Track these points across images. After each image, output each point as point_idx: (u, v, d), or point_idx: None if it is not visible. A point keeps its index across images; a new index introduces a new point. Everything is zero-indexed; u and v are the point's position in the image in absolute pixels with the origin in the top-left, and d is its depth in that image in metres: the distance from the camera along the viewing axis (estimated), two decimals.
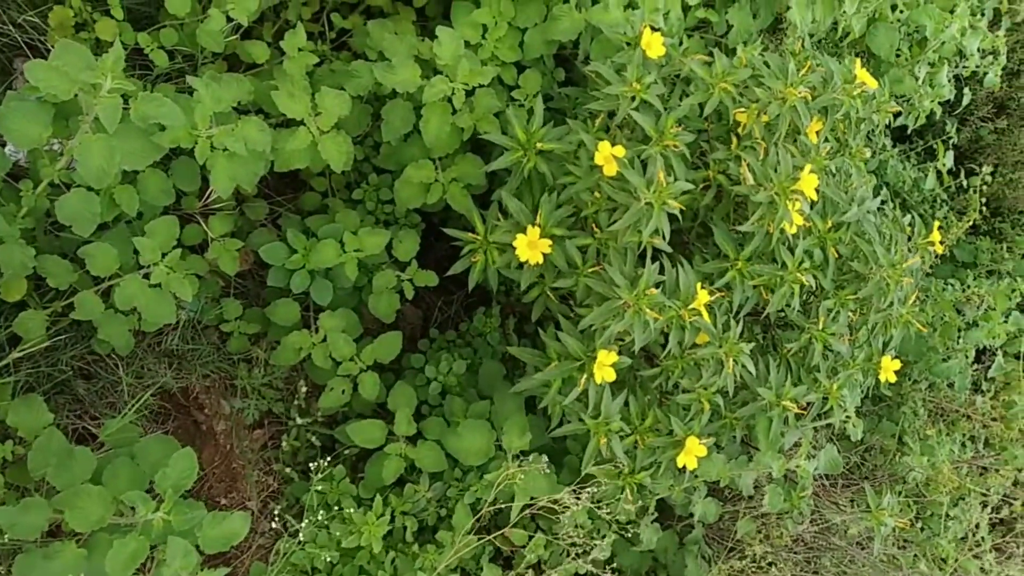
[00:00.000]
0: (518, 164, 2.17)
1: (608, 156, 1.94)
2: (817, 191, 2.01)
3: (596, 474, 2.13)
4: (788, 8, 2.72)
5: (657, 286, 2.01)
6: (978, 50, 3.12)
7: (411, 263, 2.52)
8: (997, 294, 3.42)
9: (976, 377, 3.30)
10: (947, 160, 3.20)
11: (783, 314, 2.32)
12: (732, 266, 2.16)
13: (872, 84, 2.26)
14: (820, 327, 2.30)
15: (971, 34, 3.16)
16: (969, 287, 3.25)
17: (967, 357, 3.35)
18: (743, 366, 2.11)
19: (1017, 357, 3.54)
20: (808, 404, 2.36)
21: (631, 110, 2.05)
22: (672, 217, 2.02)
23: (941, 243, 3.33)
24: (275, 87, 2.22)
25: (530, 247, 1.99)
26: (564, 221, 2.08)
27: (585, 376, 1.97)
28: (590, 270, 2.01)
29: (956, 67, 3.13)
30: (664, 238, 1.94)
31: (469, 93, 2.35)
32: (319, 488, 2.33)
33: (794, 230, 2.05)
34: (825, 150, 2.25)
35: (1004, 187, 3.47)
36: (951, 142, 3.24)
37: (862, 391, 2.62)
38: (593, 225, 2.03)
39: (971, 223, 3.26)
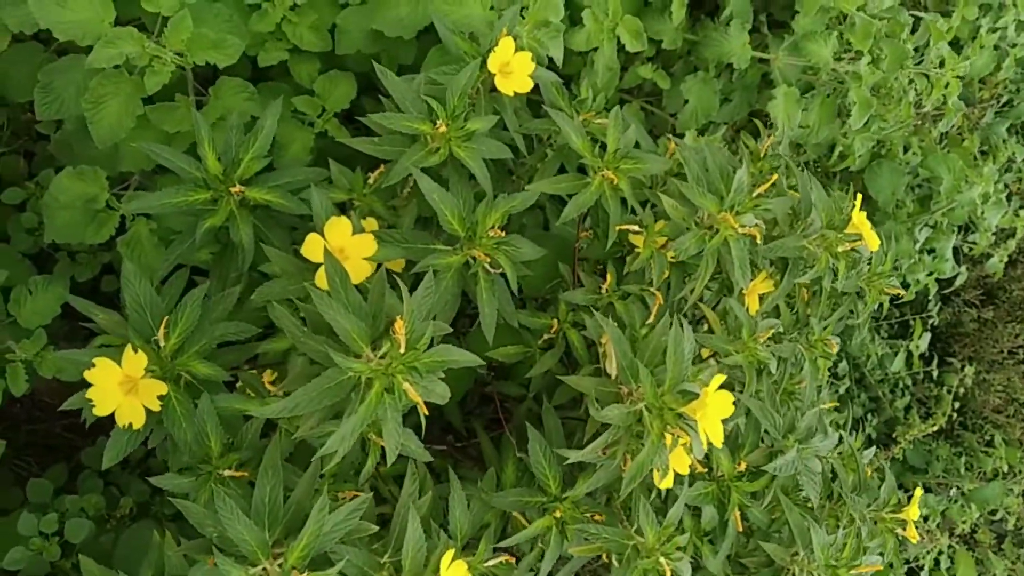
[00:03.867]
0: (205, 214, 1.13)
1: (319, 249, 0.91)
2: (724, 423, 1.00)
3: None
4: (772, 99, 1.80)
5: (379, 536, 0.97)
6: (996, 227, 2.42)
7: (37, 333, 1.44)
8: (960, 557, 2.59)
9: None
10: (922, 343, 2.55)
11: None
12: (549, 507, 1.14)
13: (873, 243, 1.30)
14: None
15: (994, 205, 2.38)
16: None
17: None
18: None
19: None
20: None
21: (420, 168, 1.03)
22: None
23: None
24: None
25: (124, 388, 0.93)
26: (237, 350, 1.04)
27: None
28: (237, 473, 0.96)
29: (960, 240, 2.46)
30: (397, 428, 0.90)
31: (205, 76, 1.35)
32: None
33: (670, 483, 1.04)
34: (767, 333, 1.27)
35: (976, 386, 2.81)
36: (931, 322, 2.56)
37: None
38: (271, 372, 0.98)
39: (936, 427, 2.55)
